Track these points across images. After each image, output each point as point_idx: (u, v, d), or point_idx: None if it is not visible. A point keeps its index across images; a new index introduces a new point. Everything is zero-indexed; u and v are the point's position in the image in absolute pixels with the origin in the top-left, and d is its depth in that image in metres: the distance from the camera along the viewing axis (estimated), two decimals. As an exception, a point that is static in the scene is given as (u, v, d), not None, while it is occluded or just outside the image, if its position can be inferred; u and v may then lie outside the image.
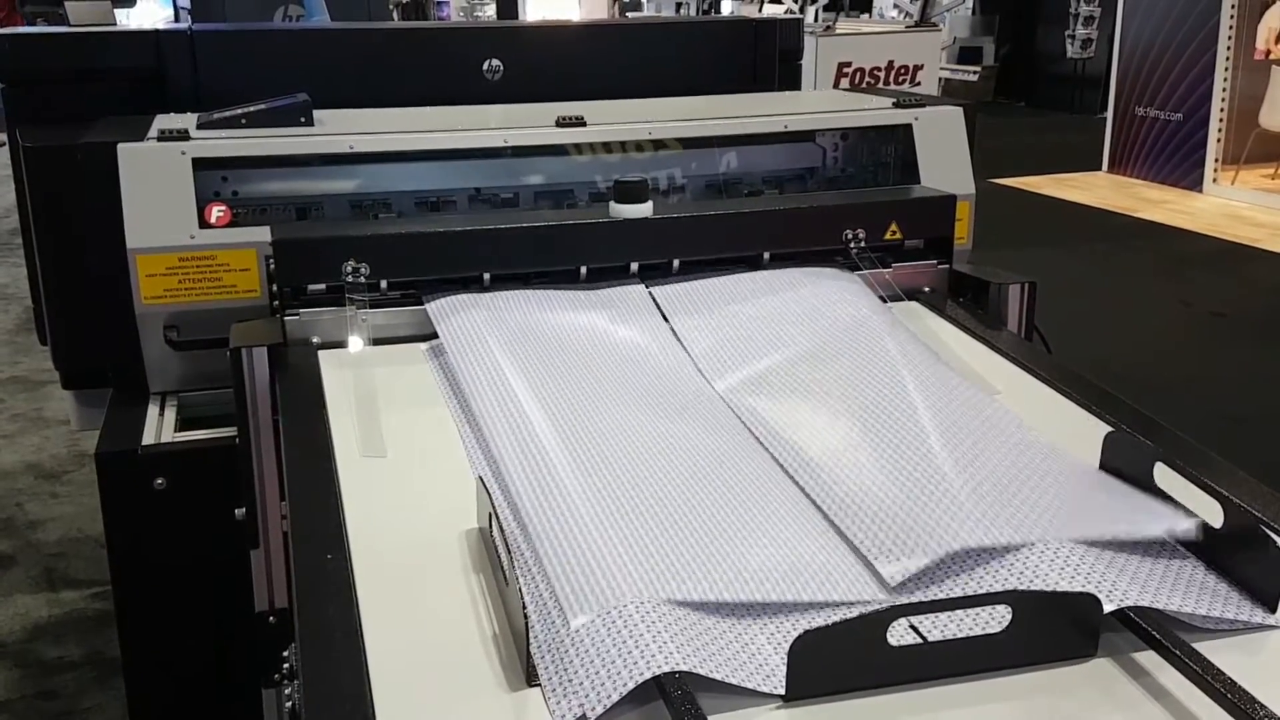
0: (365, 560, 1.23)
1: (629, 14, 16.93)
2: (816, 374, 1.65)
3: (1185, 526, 1.24)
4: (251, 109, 2.18)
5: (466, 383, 1.60)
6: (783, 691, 1.04)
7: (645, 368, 1.68)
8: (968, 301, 2.08)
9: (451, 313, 1.79)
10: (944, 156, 2.35)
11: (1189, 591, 1.17)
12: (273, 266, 1.88)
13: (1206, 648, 1.07)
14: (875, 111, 2.43)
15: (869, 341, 1.72)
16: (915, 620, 1.12)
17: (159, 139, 2.02)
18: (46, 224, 2.07)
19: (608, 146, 2.26)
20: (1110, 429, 1.47)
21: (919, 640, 1.10)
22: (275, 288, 1.87)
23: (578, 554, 1.18)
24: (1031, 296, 2.04)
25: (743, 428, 1.55)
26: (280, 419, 1.64)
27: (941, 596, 1.18)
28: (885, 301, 2.01)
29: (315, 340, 1.82)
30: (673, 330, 1.82)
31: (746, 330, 1.80)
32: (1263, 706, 0.98)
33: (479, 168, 2.30)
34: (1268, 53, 8.60)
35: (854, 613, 1.13)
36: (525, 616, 1.06)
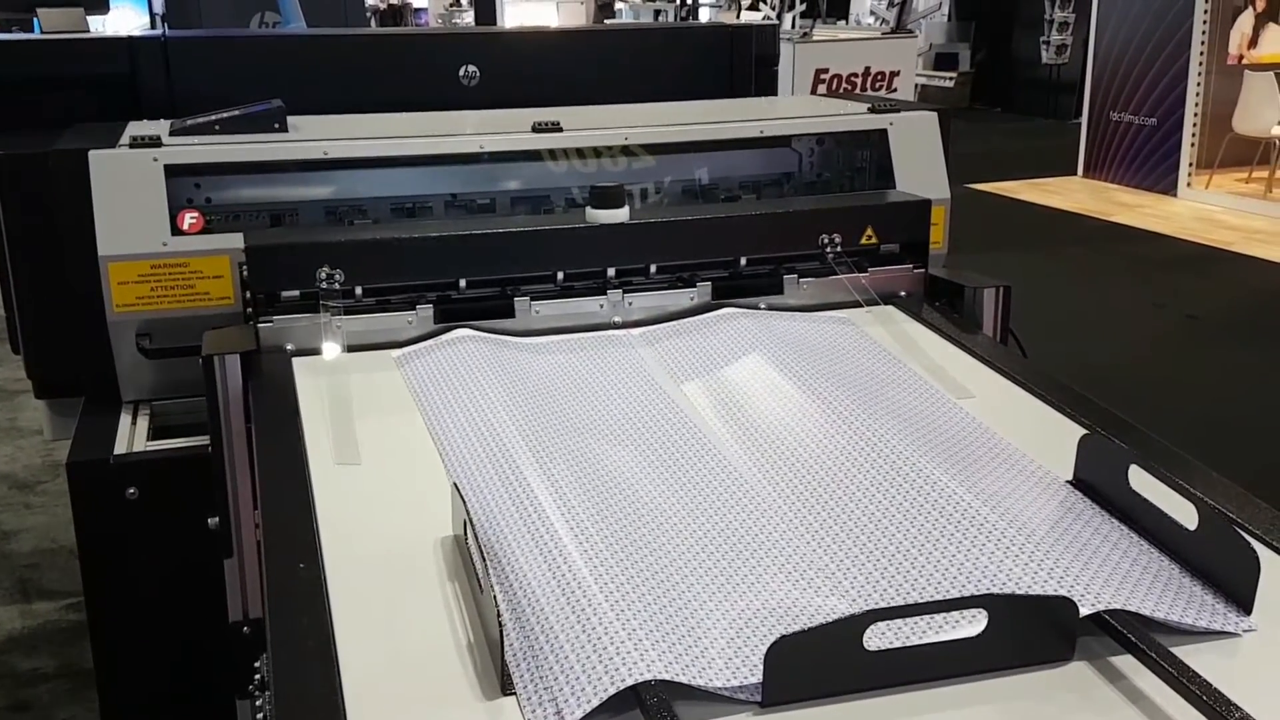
0: (339, 569, 1.22)
1: (605, 20, 16.96)
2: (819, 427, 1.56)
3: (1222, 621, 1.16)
4: (225, 115, 2.16)
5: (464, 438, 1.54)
6: (759, 698, 1.04)
7: (646, 419, 1.61)
8: (943, 305, 2.08)
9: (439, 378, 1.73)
10: (919, 161, 2.35)
11: (1165, 594, 1.17)
12: (246, 273, 1.87)
13: (1183, 651, 1.07)
14: (851, 117, 2.43)
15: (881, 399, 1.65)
16: (891, 624, 1.12)
17: (131, 146, 2.01)
18: (17, 232, 2.05)
19: (584, 152, 2.26)
20: (1085, 432, 1.47)
21: (895, 645, 1.10)
22: (249, 295, 1.86)
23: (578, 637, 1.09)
24: (1006, 300, 2.05)
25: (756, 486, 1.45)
26: (253, 427, 1.63)
27: (917, 600, 1.18)
28: (865, 306, 2.02)
29: (289, 347, 1.81)
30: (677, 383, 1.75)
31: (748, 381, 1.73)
32: (1239, 709, 0.98)
33: (455, 173, 2.30)
34: (1240, 57, 8.68)
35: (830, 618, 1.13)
36: (500, 625, 1.05)
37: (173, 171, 2.01)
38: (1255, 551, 1.15)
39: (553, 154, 2.25)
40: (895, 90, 9.01)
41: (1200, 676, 1.02)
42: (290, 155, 2.14)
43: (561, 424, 1.56)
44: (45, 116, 2.31)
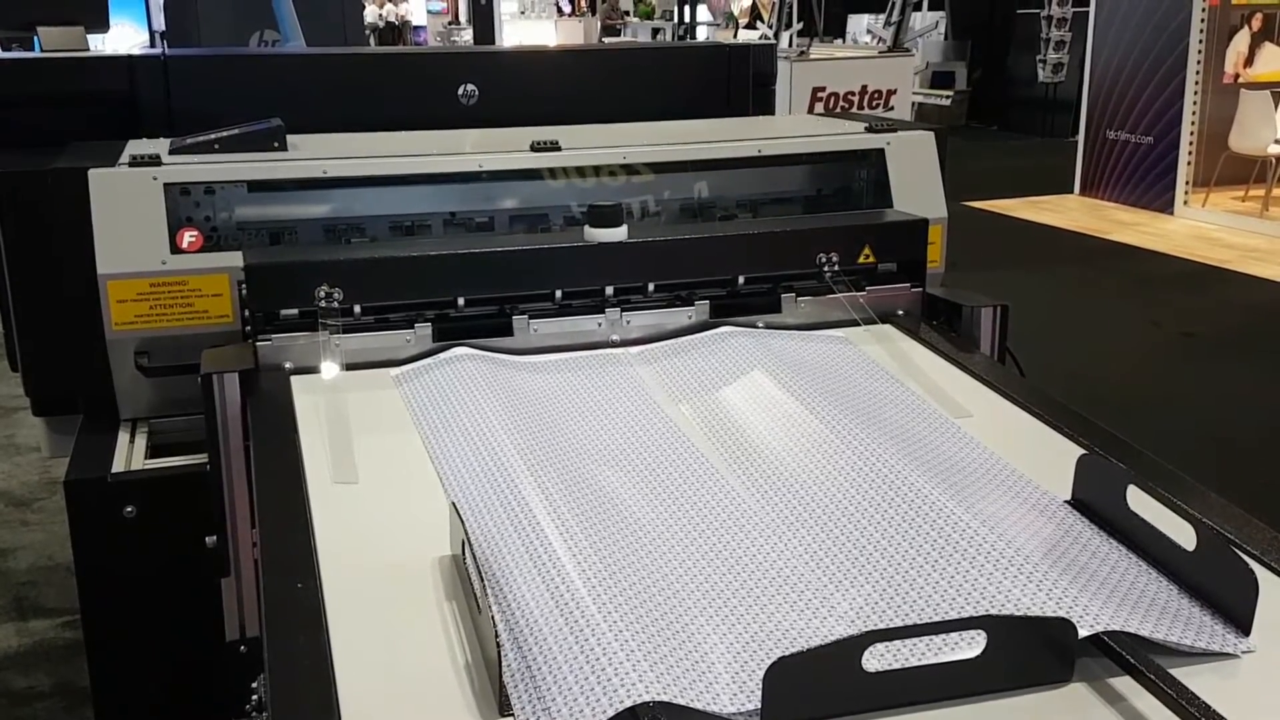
0: (336, 588, 1.22)
1: (605, 39, 17.04)
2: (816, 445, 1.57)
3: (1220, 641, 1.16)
4: (224, 134, 2.17)
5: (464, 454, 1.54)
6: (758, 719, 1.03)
7: (646, 443, 1.61)
8: (941, 324, 2.09)
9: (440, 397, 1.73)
10: (916, 180, 2.36)
11: (1163, 616, 1.17)
12: (245, 292, 1.87)
13: (1182, 672, 1.07)
14: (848, 136, 2.44)
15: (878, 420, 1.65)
16: (890, 645, 1.12)
17: (130, 164, 2.01)
18: (17, 249, 2.05)
19: (582, 171, 2.26)
20: (1082, 451, 1.47)
21: (894, 666, 1.09)
22: (247, 313, 1.86)
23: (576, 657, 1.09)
24: (1004, 319, 2.05)
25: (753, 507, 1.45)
26: (252, 445, 1.63)
27: (916, 621, 1.17)
28: (861, 325, 2.03)
29: (288, 365, 1.81)
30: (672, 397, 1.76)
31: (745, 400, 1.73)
32: (1237, 730, 0.98)
33: (454, 192, 2.30)
34: (1236, 76, 8.72)
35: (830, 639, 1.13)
36: (498, 645, 1.05)
37: (172, 190, 2.01)
38: (1253, 572, 1.15)
39: (551, 173, 2.25)
40: (892, 109, 9.03)
41: (1199, 698, 1.02)
42: (289, 174, 2.14)
43: (559, 444, 1.56)
44: (45, 135, 2.31)
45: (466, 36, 17.15)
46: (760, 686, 1.02)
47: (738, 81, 2.92)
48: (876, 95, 9.03)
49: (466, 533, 1.20)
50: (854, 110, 8.82)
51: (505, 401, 1.67)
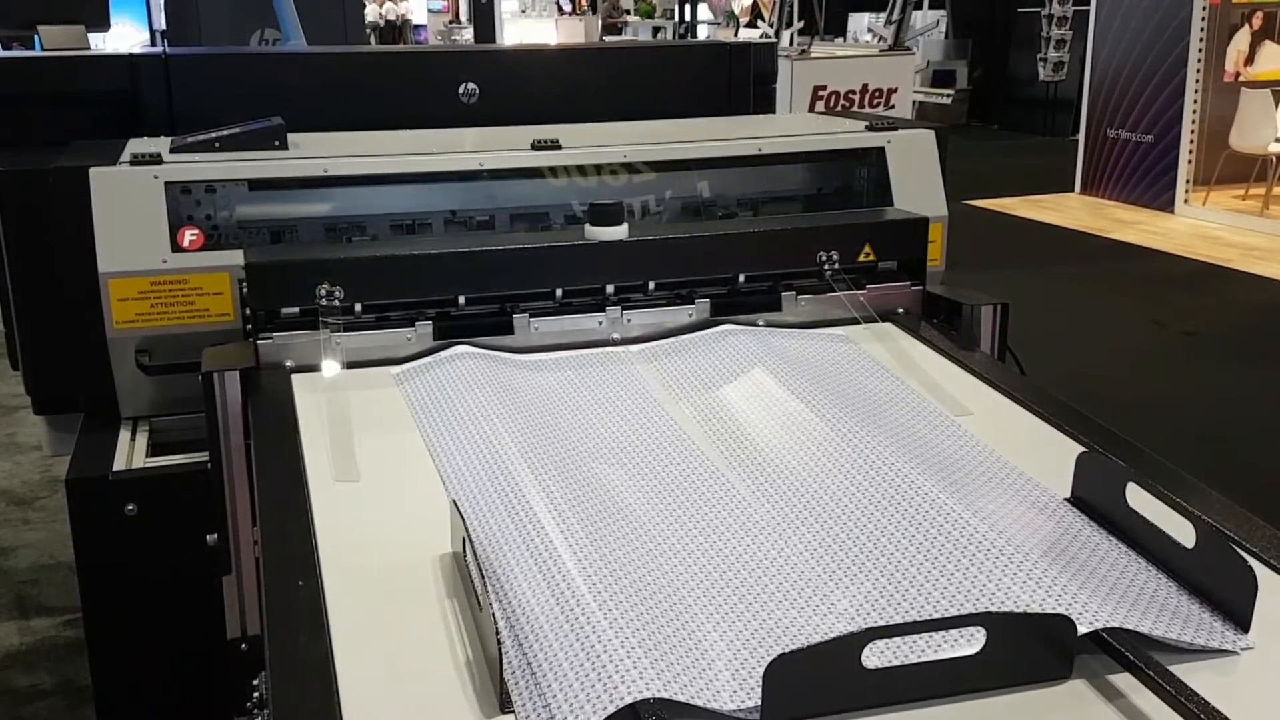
0: (338, 586, 1.22)
1: (606, 38, 17.04)
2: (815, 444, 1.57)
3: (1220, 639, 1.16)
4: (225, 132, 2.17)
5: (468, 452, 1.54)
6: (758, 716, 1.04)
7: (646, 438, 1.61)
8: (941, 323, 2.09)
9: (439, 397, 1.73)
10: (917, 179, 2.36)
11: (1163, 613, 1.17)
12: (246, 290, 1.87)
13: (1181, 669, 1.07)
14: (849, 135, 2.44)
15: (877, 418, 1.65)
16: (890, 642, 1.12)
17: (131, 163, 2.01)
18: (18, 248, 2.05)
19: (583, 170, 2.26)
20: (1082, 449, 1.47)
21: (893, 663, 1.10)
22: (248, 311, 1.86)
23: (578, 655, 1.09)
24: (1004, 317, 2.06)
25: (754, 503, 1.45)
26: (252, 444, 1.63)
27: (916, 618, 1.18)
28: (864, 323, 2.03)
29: (289, 364, 1.81)
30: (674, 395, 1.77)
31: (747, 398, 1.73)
32: (1236, 727, 0.98)
33: (454, 190, 2.30)
34: (1237, 75, 8.71)
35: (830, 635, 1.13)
36: (499, 643, 1.05)
37: (173, 188, 2.02)
38: (1253, 570, 1.15)
39: (552, 171, 2.26)
40: (893, 107, 9.03)
41: (1198, 695, 1.02)
42: (290, 172, 2.14)
43: (560, 441, 1.56)
44: (46, 133, 2.32)
45: (467, 35, 17.14)
46: (760, 683, 1.02)
47: (738, 80, 2.92)
48: (877, 94, 9.04)
49: (467, 530, 1.20)
50: (855, 109, 8.82)
51: (506, 400, 1.67)
